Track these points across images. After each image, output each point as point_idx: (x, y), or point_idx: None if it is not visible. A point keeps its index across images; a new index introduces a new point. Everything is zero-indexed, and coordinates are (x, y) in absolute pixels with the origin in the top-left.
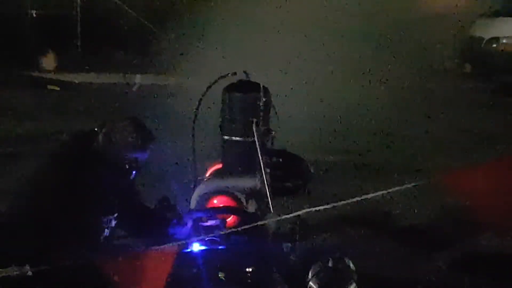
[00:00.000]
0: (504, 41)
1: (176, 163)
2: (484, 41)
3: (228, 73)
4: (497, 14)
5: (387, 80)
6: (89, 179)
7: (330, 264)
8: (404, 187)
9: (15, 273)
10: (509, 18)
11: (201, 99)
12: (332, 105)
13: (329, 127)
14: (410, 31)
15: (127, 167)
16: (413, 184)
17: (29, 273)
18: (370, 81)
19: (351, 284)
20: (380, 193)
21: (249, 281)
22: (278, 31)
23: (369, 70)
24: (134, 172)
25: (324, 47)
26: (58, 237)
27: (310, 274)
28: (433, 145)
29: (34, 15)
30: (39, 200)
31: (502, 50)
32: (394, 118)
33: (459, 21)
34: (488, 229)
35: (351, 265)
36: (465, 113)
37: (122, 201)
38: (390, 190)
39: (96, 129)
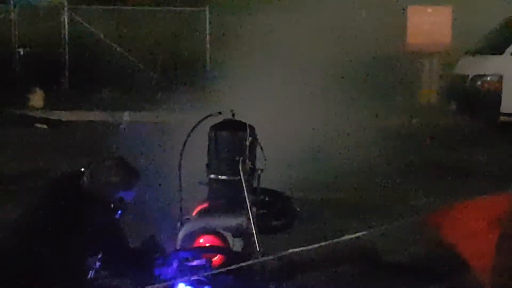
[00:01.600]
0: (488, 78)
1: (170, 203)
2: (469, 79)
3: (215, 112)
4: (481, 52)
5: (374, 116)
6: (75, 219)
7: None
8: (388, 226)
9: None
10: (493, 56)
11: (187, 138)
12: (316, 142)
13: (316, 165)
14: (396, 67)
15: (113, 206)
16: (397, 222)
17: None
18: (351, 117)
19: None
20: (362, 233)
21: None
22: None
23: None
24: (119, 211)
25: (308, 84)
26: (43, 277)
27: None
28: (416, 182)
29: (22, 53)
30: (24, 239)
31: (486, 88)
32: (377, 155)
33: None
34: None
35: None
36: (449, 150)
37: (108, 241)
38: (370, 231)
39: (82, 168)
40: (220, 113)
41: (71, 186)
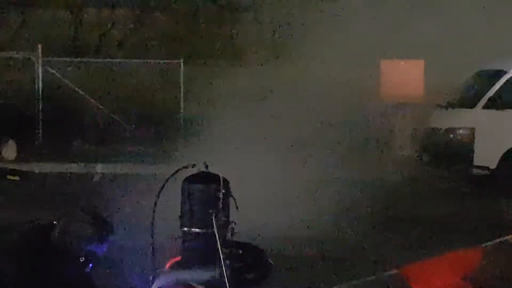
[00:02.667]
0: (460, 131)
1: (142, 256)
2: (441, 131)
3: (189, 164)
4: (453, 105)
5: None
6: (45, 272)
7: None
8: (361, 281)
9: None
10: (465, 109)
11: (160, 190)
12: (290, 194)
13: (289, 219)
14: (370, 120)
15: (84, 259)
16: (375, 277)
17: None
18: (325, 170)
19: None
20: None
21: None
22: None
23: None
24: (91, 264)
25: (282, 135)
26: None
27: None
28: (389, 235)
29: None
30: None
31: (459, 141)
32: (351, 208)
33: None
34: None
35: None
36: (422, 202)
37: None
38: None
39: (54, 221)
40: (194, 165)
41: (42, 238)
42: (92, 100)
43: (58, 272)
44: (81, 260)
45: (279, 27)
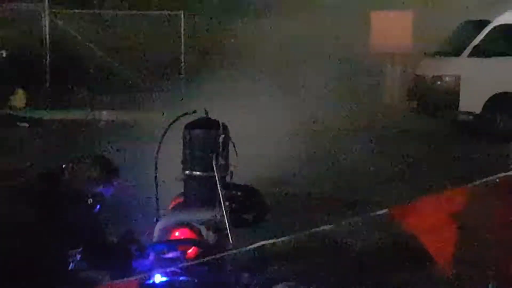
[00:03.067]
0: (447, 79)
1: (146, 198)
2: (428, 79)
3: (190, 111)
4: (440, 54)
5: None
6: (55, 213)
7: None
8: (355, 219)
9: None
10: (451, 57)
11: (163, 136)
12: (285, 140)
13: (286, 161)
14: (361, 67)
15: (92, 201)
16: (365, 216)
17: None
18: (320, 116)
19: None
20: (329, 226)
21: None
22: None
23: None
24: (98, 206)
25: (279, 85)
26: (25, 270)
27: None
28: (380, 176)
29: (4, 56)
30: (5, 234)
31: (445, 88)
32: (343, 151)
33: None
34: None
35: None
36: (412, 146)
37: (87, 235)
38: (340, 223)
39: (63, 165)
40: (195, 111)
41: (51, 182)
42: (97, 50)
43: (67, 214)
44: (89, 202)
45: None
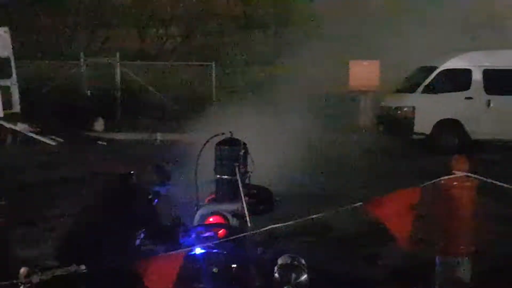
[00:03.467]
0: (405, 109)
1: (190, 195)
2: (392, 109)
3: (219, 133)
4: (400, 91)
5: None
6: (126, 205)
7: (289, 261)
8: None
9: (74, 270)
10: (408, 93)
11: (201, 150)
12: (289, 154)
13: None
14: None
15: (151, 197)
16: (346, 207)
17: (84, 270)
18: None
19: (303, 275)
20: (321, 214)
21: (234, 274)
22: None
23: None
24: (156, 200)
25: (283, 114)
26: (106, 246)
27: (276, 268)
28: (357, 178)
29: (89, 94)
30: (92, 219)
31: (404, 115)
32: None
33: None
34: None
35: (303, 261)
36: (376, 159)
37: (148, 220)
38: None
39: (131, 171)
40: (223, 133)
41: (123, 184)
42: (154, 90)
43: (135, 206)
44: (149, 197)
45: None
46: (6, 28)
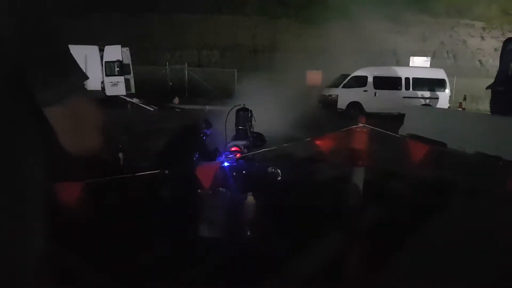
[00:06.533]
0: (333, 95)
1: (222, 137)
2: (327, 95)
3: (238, 105)
4: (331, 86)
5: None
6: (190, 140)
7: (273, 170)
8: (290, 143)
9: (162, 172)
10: (335, 88)
11: (228, 113)
12: (279, 122)
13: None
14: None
15: (203, 135)
16: (301, 141)
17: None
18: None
19: (279, 175)
20: (288, 144)
21: (244, 175)
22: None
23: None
24: (205, 137)
25: (280, 101)
26: (179, 159)
27: (266, 171)
28: (308, 130)
29: (171, 84)
30: (171, 148)
31: (333, 99)
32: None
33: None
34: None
35: (279, 170)
36: (319, 120)
37: (200, 148)
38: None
39: (195, 123)
40: (240, 105)
41: (191, 129)
42: (204, 83)
43: (194, 139)
44: (202, 136)
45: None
46: (127, 48)
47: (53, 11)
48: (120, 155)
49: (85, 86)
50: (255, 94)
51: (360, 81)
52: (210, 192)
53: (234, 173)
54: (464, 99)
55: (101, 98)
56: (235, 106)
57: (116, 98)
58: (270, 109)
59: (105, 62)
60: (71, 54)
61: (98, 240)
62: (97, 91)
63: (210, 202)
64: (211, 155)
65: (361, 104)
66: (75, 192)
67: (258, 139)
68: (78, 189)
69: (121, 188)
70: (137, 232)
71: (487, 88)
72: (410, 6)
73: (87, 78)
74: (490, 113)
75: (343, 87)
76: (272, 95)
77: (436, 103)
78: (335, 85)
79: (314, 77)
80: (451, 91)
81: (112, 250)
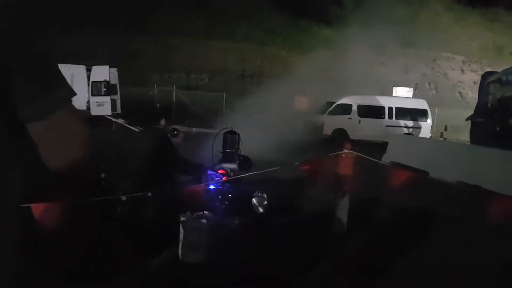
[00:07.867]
0: (320, 121)
1: (209, 160)
2: (314, 122)
3: (225, 128)
4: (318, 113)
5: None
6: (165, 153)
7: (258, 194)
8: (277, 167)
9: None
10: (321, 115)
11: (215, 136)
12: (267, 143)
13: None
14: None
15: (173, 144)
16: (288, 165)
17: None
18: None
19: (264, 201)
20: (275, 168)
21: (230, 198)
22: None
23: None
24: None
25: (268, 122)
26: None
27: (252, 197)
28: (295, 154)
29: (158, 106)
30: (148, 159)
31: (319, 125)
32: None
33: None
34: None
35: (265, 195)
36: (305, 145)
37: (174, 159)
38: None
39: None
40: (228, 128)
41: (168, 140)
42: (192, 105)
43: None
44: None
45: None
46: (115, 69)
47: (42, 26)
48: (103, 175)
49: (71, 102)
50: (242, 117)
51: (345, 109)
52: (194, 215)
53: (219, 196)
54: (445, 129)
55: (86, 118)
56: (223, 129)
57: (101, 118)
58: (257, 132)
59: (92, 82)
60: (58, 69)
61: (75, 263)
62: (82, 110)
63: (193, 225)
64: (191, 166)
65: (345, 131)
66: (53, 214)
67: (245, 162)
68: (57, 210)
69: (102, 210)
70: (120, 256)
71: (467, 119)
72: (393, 39)
73: (74, 94)
74: (470, 143)
75: (329, 113)
76: (260, 119)
77: (419, 132)
78: (321, 112)
79: (302, 102)
80: (432, 121)
81: (89, 274)
